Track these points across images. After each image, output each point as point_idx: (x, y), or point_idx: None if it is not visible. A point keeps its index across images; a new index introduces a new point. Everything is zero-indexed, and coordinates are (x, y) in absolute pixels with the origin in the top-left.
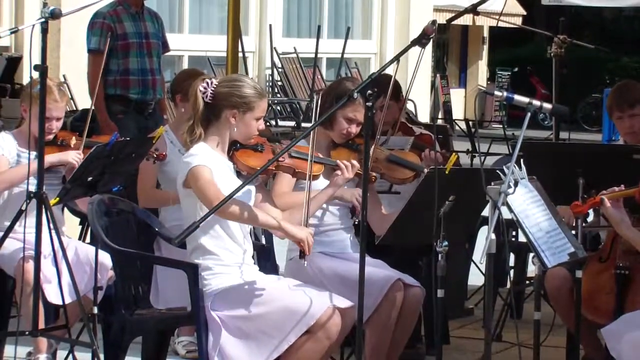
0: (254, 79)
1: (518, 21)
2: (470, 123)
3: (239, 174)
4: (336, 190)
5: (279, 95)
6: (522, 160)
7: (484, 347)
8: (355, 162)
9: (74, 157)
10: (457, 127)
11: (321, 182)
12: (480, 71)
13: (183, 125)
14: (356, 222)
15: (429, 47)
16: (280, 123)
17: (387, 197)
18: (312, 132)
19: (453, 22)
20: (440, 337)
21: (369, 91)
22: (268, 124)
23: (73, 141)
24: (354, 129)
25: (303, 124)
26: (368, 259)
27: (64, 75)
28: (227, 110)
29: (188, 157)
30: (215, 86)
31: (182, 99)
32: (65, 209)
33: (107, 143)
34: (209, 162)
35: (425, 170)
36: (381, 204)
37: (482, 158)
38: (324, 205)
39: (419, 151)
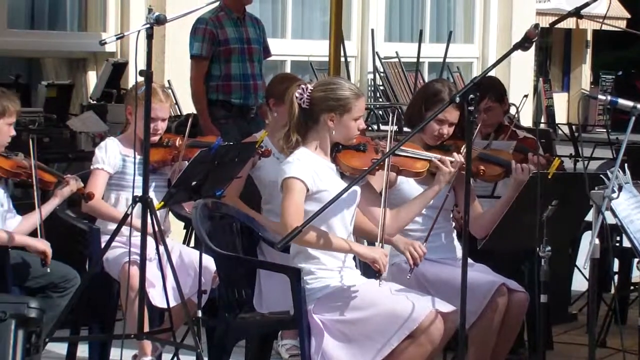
0: (355, 83)
1: (622, 24)
2: (574, 127)
3: (342, 175)
4: (442, 187)
5: (381, 99)
6: (626, 164)
7: (588, 353)
8: (456, 157)
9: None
10: (560, 132)
11: (414, 185)
12: (584, 75)
13: (277, 129)
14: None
15: (532, 50)
16: (383, 127)
17: (489, 202)
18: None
19: (556, 26)
20: (544, 343)
21: (471, 95)
22: (370, 128)
23: (178, 142)
24: (446, 130)
25: (405, 129)
26: (471, 263)
27: (168, 81)
28: (324, 114)
29: (286, 163)
30: (310, 91)
31: (275, 103)
32: (170, 213)
33: (211, 147)
34: (307, 170)
35: (514, 165)
36: (480, 205)
37: (586, 162)
38: (424, 211)
39: (522, 155)
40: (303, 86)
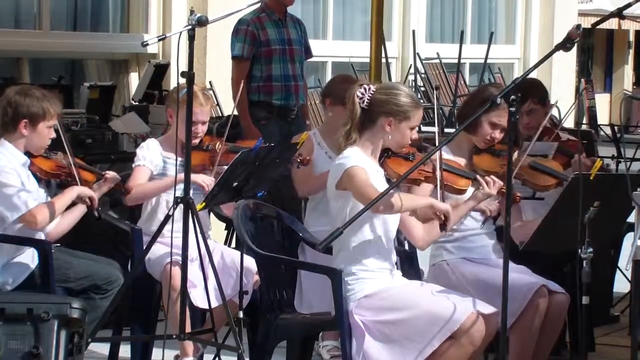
0: (409, 88)
1: None
2: (616, 128)
3: (388, 181)
4: (477, 204)
5: (421, 101)
6: None
7: (630, 355)
8: (497, 180)
9: (204, 180)
10: (602, 133)
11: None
12: (626, 75)
13: (331, 129)
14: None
15: (574, 51)
16: (424, 129)
17: (531, 203)
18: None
19: (598, 27)
20: (586, 345)
21: (513, 96)
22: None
23: (218, 146)
24: (498, 135)
25: (446, 130)
26: (512, 265)
27: (210, 82)
28: (383, 117)
29: (341, 159)
30: (372, 92)
31: (332, 102)
32: (212, 214)
33: (252, 149)
34: (363, 164)
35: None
36: (521, 212)
37: (628, 164)
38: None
39: (565, 157)
40: (365, 86)
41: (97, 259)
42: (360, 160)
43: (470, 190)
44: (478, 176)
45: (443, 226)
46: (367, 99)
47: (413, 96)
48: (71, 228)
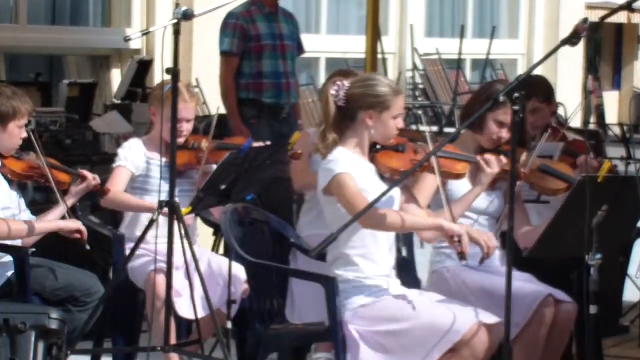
0: (386, 75)
1: None
2: (625, 128)
3: (381, 176)
4: (484, 189)
5: (420, 99)
6: None
7: None
8: (495, 157)
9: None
10: (610, 133)
11: (464, 185)
12: (636, 72)
13: (316, 128)
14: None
15: (581, 47)
16: (422, 128)
17: (536, 207)
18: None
19: (607, 20)
20: (594, 357)
21: (516, 94)
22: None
23: (205, 144)
24: (505, 134)
25: (446, 129)
26: (516, 272)
27: (196, 79)
28: (362, 112)
29: (329, 163)
30: (347, 88)
31: None
32: (198, 219)
33: (242, 149)
34: (351, 167)
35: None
36: (528, 217)
37: (638, 165)
38: (475, 217)
39: (571, 158)
40: (339, 83)
41: (76, 269)
42: (349, 163)
43: (467, 185)
44: (478, 157)
45: (461, 256)
46: (343, 95)
47: (391, 84)
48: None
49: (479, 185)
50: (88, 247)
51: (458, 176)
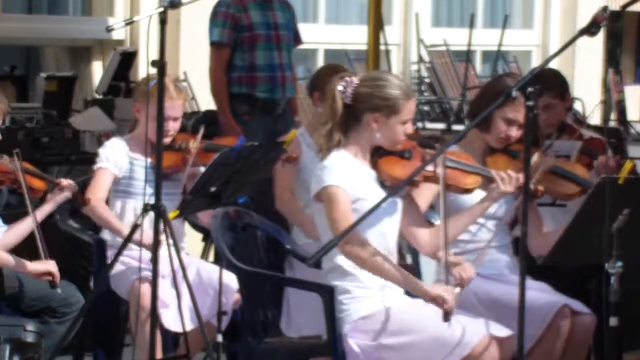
0: (398, 76)
1: None
2: None
3: (382, 184)
4: (492, 204)
5: (426, 93)
6: None
7: None
8: (516, 174)
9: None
10: (632, 130)
11: (477, 195)
12: None
13: (321, 127)
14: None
15: (600, 37)
16: (428, 125)
17: (550, 211)
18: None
19: (628, 9)
20: None
21: (530, 88)
22: (415, 127)
23: (193, 144)
24: (514, 133)
25: (454, 127)
26: (529, 281)
27: (184, 73)
28: (368, 114)
29: (324, 169)
30: (355, 85)
31: (321, 97)
32: (186, 223)
33: (233, 148)
34: (347, 177)
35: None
36: (542, 222)
37: None
38: (481, 220)
39: (588, 158)
40: (347, 78)
41: None
42: (344, 172)
43: (480, 194)
44: (493, 172)
45: (445, 316)
46: (350, 93)
47: (402, 86)
48: (22, 240)
49: (488, 199)
50: (59, 291)
51: (466, 191)
